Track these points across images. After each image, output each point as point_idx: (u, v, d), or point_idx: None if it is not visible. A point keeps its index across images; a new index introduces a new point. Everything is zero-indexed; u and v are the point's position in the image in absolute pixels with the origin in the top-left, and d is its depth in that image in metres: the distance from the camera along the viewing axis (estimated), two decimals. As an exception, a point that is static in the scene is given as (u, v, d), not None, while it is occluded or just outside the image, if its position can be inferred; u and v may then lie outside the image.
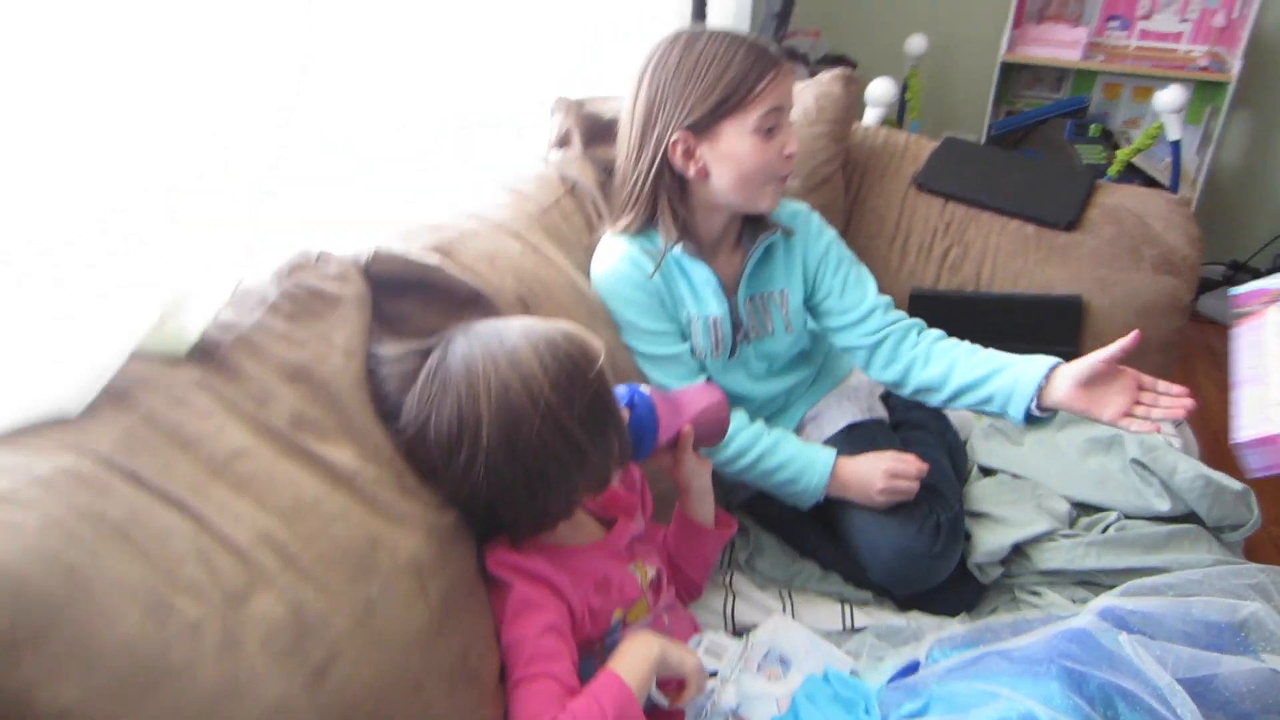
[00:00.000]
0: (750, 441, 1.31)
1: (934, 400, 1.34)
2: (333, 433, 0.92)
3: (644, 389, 1.07)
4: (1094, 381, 1.18)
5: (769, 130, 1.23)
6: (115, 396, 0.78)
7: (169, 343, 0.84)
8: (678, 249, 1.29)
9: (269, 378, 0.90)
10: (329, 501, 0.86)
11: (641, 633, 1.00)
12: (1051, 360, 1.23)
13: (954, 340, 1.35)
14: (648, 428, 1.05)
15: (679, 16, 1.97)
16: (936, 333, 1.36)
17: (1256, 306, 1.16)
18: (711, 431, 1.14)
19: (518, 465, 0.93)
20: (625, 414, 1.02)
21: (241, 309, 0.92)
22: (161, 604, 0.69)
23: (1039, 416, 1.23)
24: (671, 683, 1.01)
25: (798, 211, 1.40)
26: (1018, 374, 1.24)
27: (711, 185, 1.26)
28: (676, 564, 1.21)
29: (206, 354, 0.87)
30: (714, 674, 1.05)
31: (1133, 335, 1.13)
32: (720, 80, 1.20)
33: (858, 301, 1.37)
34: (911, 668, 1.03)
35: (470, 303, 1.10)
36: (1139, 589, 1.00)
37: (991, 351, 1.31)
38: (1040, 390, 1.22)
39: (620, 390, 1.04)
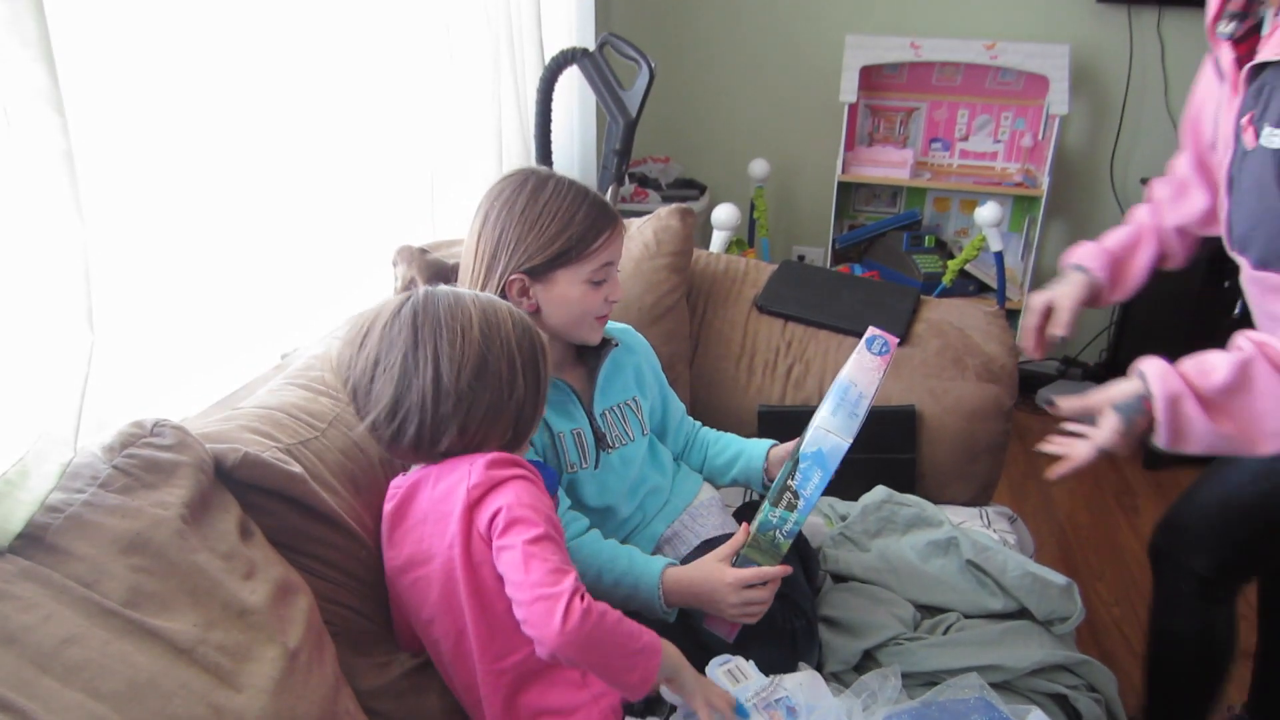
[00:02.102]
0: (591, 554, 1.33)
1: (719, 482, 1.59)
2: (173, 601, 0.91)
3: None
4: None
5: (598, 281, 1.33)
6: (-69, 597, 0.77)
7: (-10, 535, 0.83)
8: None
9: (101, 555, 0.89)
10: (167, 678, 0.85)
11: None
12: (768, 442, 1.53)
13: (708, 430, 1.62)
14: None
15: (523, 155, 2.06)
16: (698, 426, 1.63)
17: None
18: None
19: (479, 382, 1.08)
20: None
21: (70, 489, 0.92)
22: (-22, 814, 0.67)
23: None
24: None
25: (625, 329, 1.52)
26: (750, 455, 1.53)
27: (543, 320, 1.34)
28: None
29: (34, 540, 0.86)
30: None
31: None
32: (561, 235, 1.29)
33: (677, 409, 1.58)
34: None
35: (327, 518, 1.14)
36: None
37: (730, 437, 1.59)
38: (766, 468, 1.50)
39: None
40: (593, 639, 0.98)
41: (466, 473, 1.07)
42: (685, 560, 1.43)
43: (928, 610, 1.46)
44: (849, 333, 1.87)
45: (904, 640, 1.39)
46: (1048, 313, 1.51)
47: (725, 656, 1.20)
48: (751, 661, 1.21)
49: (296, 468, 1.11)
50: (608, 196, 1.41)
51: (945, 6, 3.02)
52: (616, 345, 1.45)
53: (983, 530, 1.69)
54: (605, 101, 2.04)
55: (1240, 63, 1.19)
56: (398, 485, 1.16)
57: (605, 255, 1.33)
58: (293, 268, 1.50)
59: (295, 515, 1.11)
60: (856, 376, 1.24)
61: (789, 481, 1.19)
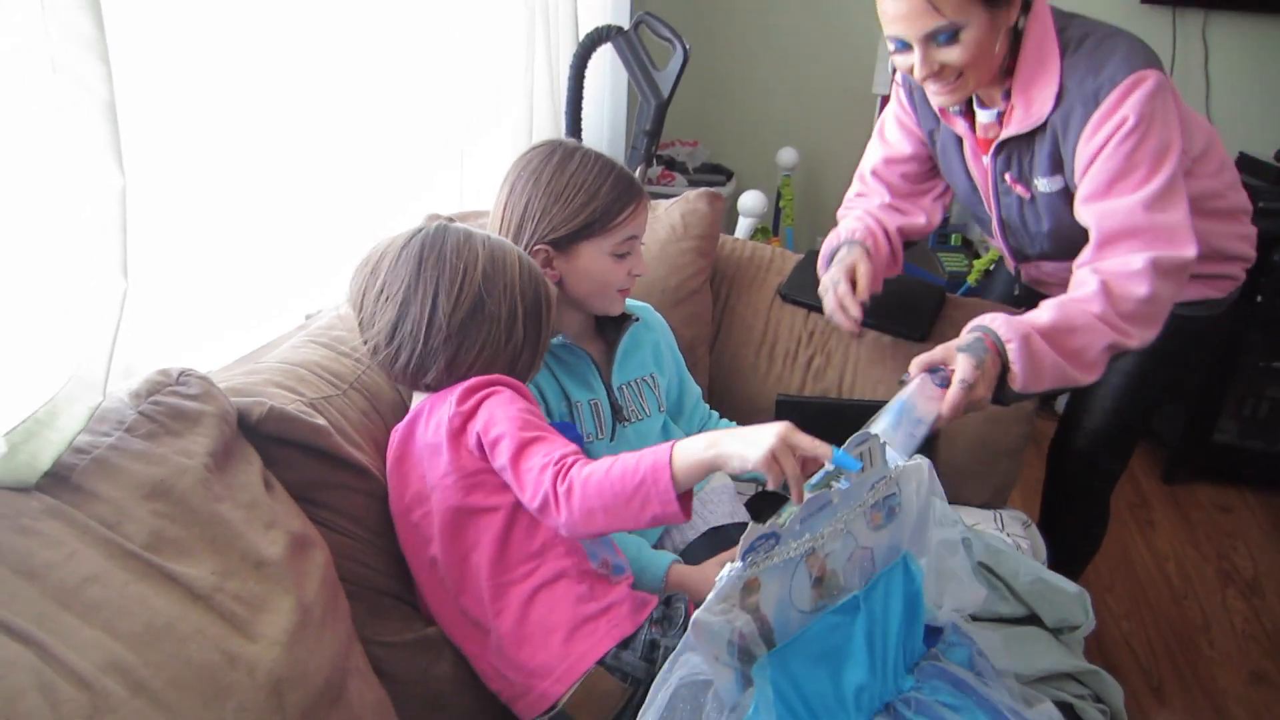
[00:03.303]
0: None
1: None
2: (193, 548, 0.93)
3: None
4: None
5: (622, 254, 1.34)
6: (-42, 529, 0.78)
7: (20, 472, 0.84)
8: (558, 339, 1.35)
9: (125, 498, 0.91)
10: (183, 622, 0.87)
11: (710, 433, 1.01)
12: None
13: (726, 422, 1.61)
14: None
15: (553, 130, 2.06)
16: (716, 415, 1.63)
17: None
18: None
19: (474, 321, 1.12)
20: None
21: (97, 432, 0.93)
22: (-4, 740, 0.68)
23: None
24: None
25: (645, 307, 1.53)
26: None
27: (565, 290, 1.35)
28: None
29: (60, 479, 0.88)
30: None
31: None
32: (586, 208, 1.30)
33: (693, 391, 1.58)
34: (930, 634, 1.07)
35: (352, 468, 1.16)
36: None
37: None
38: None
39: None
40: (589, 509, 0.99)
41: (447, 403, 1.11)
42: (691, 546, 1.44)
43: (936, 607, 1.46)
44: (872, 327, 1.87)
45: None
46: (853, 281, 1.58)
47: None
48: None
49: (322, 420, 1.12)
50: (635, 176, 1.42)
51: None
52: (637, 321, 1.45)
53: (996, 533, 1.69)
54: (638, 81, 2.03)
55: (980, 134, 1.51)
56: (396, 429, 1.19)
57: (629, 229, 1.34)
58: (321, 231, 1.51)
59: (319, 469, 1.12)
60: (918, 401, 1.23)
61: (831, 484, 1.15)
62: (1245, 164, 2.73)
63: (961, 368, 1.28)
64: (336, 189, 1.53)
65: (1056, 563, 1.69)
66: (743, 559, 0.83)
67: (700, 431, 1.59)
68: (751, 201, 2.62)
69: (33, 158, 0.87)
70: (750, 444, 0.95)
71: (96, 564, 0.84)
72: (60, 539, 0.83)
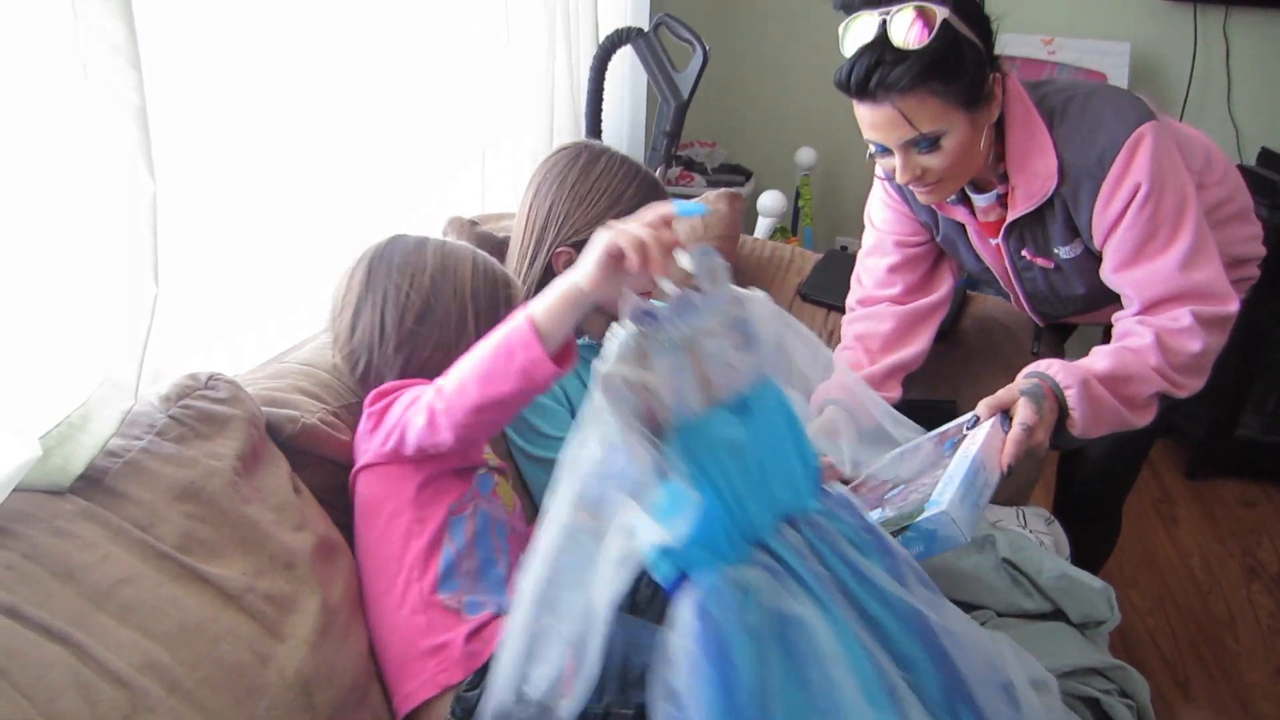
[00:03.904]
0: None
1: None
2: (224, 549, 0.94)
3: None
4: None
5: None
6: (-4, 532, 0.79)
7: (54, 475, 0.85)
8: (583, 340, 1.36)
9: (157, 500, 0.92)
10: (215, 623, 0.88)
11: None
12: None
13: None
14: None
15: (573, 132, 2.06)
16: None
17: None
18: None
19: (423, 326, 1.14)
20: None
21: (129, 435, 0.94)
22: (37, 739, 0.70)
23: None
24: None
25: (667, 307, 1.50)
26: None
27: None
28: None
29: (93, 482, 0.89)
30: None
31: None
32: (609, 212, 1.30)
33: None
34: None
35: None
36: None
37: None
38: None
39: None
40: (461, 384, 0.97)
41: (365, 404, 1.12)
42: None
43: (961, 607, 1.44)
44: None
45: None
46: None
47: None
48: None
49: (347, 435, 1.14)
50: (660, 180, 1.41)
51: (1004, 0, 2.98)
52: None
53: (1019, 530, 1.68)
54: (658, 82, 2.04)
55: (980, 221, 1.47)
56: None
57: None
58: (343, 236, 1.52)
59: (342, 475, 1.13)
60: (987, 459, 1.19)
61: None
62: (1267, 159, 2.71)
63: (1022, 411, 1.25)
64: (359, 191, 1.54)
65: (1073, 562, 1.69)
66: (633, 321, 0.79)
67: None
68: (770, 201, 2.62)
69: (65, 164, 0.88)
70: (587, 255, 0.88)
71: (130, 565, 0.86)
72: (94, 541, 0.85)
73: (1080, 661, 1.30)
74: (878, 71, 1.23)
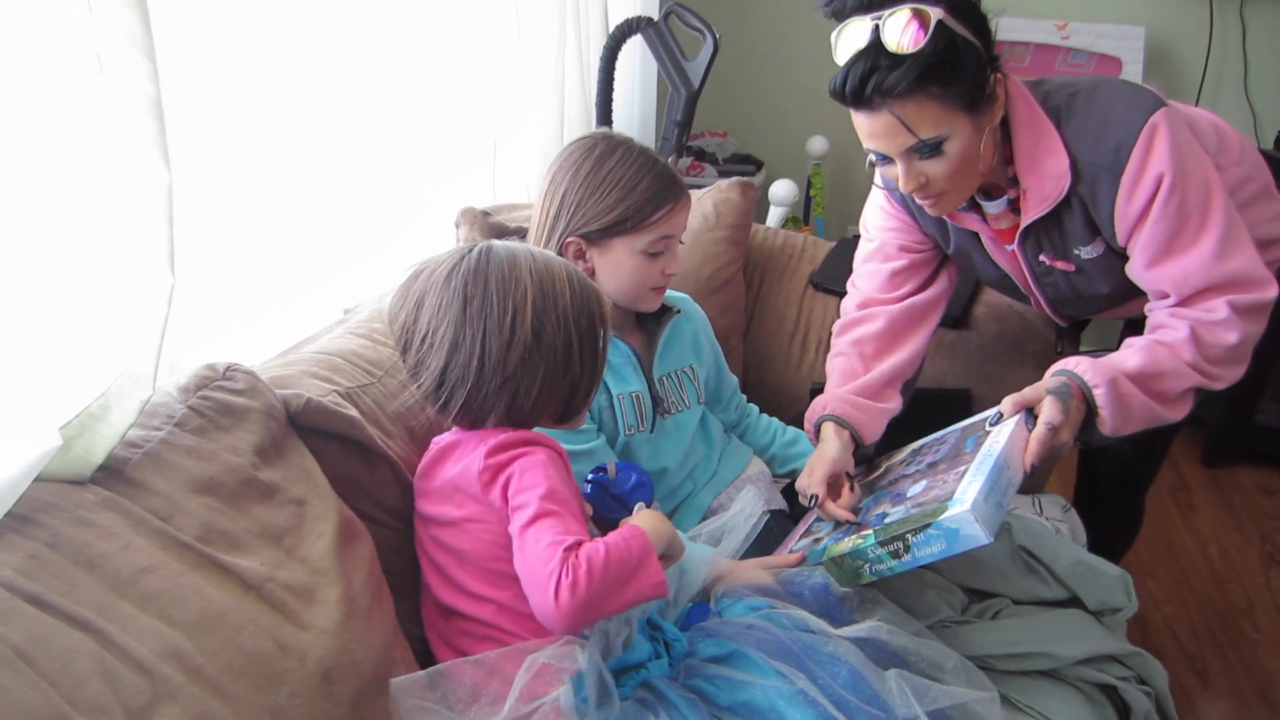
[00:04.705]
0: None
1: (776, 471, 1.59)
2: (243, 540, 0.95)
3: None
4: None
5: (655, 254, 1.33)
6: (19, 521, 0.80)
7: (74, 465, 0.86)
8: None
9: (176, 492, 0.93)
10: (236, 611, 0.89)
11: (654, 512, 1.07)
12: None
13: (768, 419, 1.63)
14: (647, 488, 1.22)
15: (584, 122, 2.06)
16: (755, 408, 1.64)
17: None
18: None
19: (530, 361, 1.07)
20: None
21: (148, 426, 0.95)
22: (62, 725, 0.70)
23: None
24: None
25: (684, 298, 1.53)
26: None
27: (597, 283, 1.33)
28: None
29: (113, 472, 0.89)
30: None
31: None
32: (620, 204, 1.29)
33: (730, 380, 1.59)
34: (702, 610, 1.17)
35: (388, 462, 1.17)
36: None
37: (795, 432, 1.60)
38: None
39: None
40: (592, 600, 0.93)
41: (476, 455, 1.05)
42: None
43: (976, 595, 1.45)
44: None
45: (951, 624, 1.38)
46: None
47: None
48: None
49: (355, 412, 1.14)
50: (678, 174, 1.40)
51: (1016, -14, 2.96)
52: (678, 313, 1.45)
53: (1035, 518, 1.68)
54: (668, 72, 2.03)
55: (993, 228, 1.44)
56: (437, 442, 1.16)
57: (664, 228, 1.32)
58: (357, 226, 1.53)
59: (358, 463, 1.13)
60: (1011, 457, 1.18)
61: (908, 534, 1.13)
62: (1285, 143, 2.69)
63: (1048, 410, 1.23)
64: (373, 182, 1.54)
65: (1090, 552, 1.68)
66: None
67: (740, 424, 1.61)
68: (783, 191, 2.61)
69: (82, 155, 0.88)
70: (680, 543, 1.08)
71: (151, 554, 0.86)
72: (116, 530, 0.85)
73: (1097, 649, 1.29)
74: (873, 78, 1.19)
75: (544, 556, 0.94)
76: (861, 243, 1.62)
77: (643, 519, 1.03)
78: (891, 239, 1.56)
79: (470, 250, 1.10)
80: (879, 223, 1.57)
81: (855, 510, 1.33)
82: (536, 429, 1.13)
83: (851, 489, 1.36)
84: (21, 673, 0.71)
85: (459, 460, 1.09)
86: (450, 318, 1.05)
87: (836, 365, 1.54)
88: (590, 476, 1.23)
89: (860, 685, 1.00)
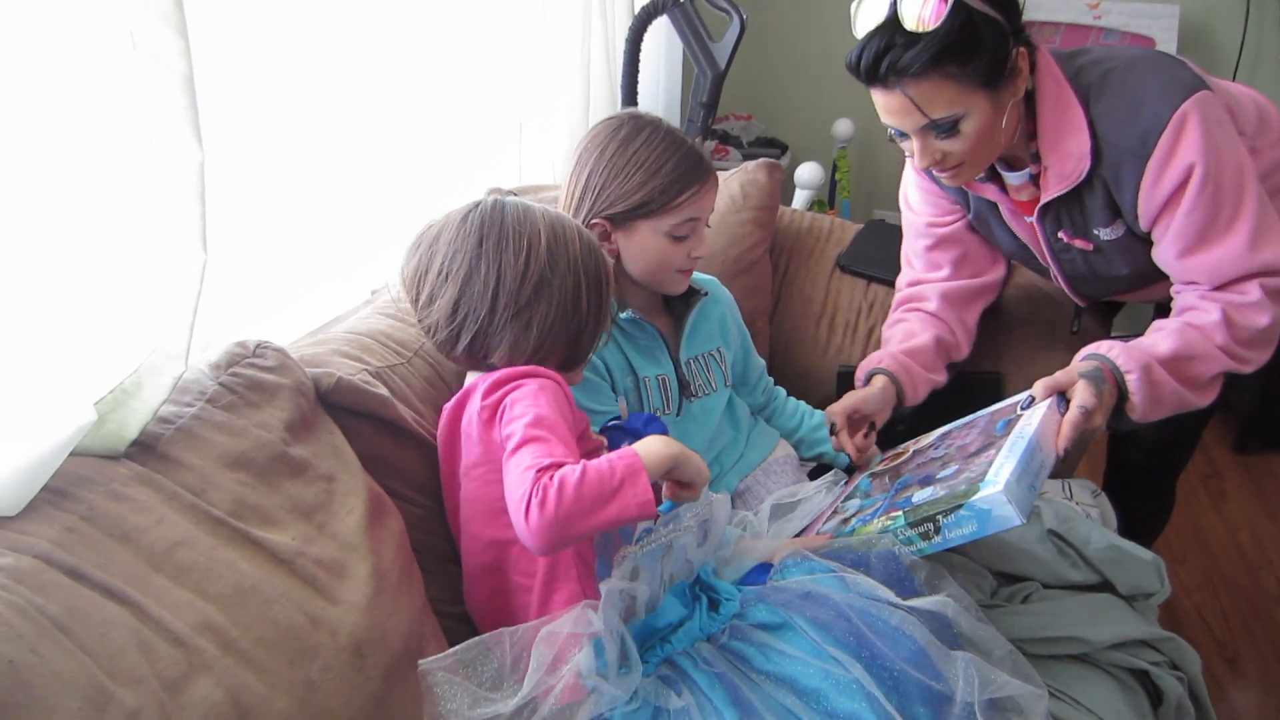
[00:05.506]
0: None
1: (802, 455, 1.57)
2: (275, 515, 0.96)
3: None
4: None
5: (681, 236, 1.32)
6: (55, 495, 0.81)
7: (109, 440, 0.87)
8: (627, 314, 1.35)
9: (209, 467, 0.93)
10: (269, 585, 0.89)
11: (660, 437, 1.04)
12: None
13: (795, 402, 1.61)
14: (658, 424, 1.23)
15: (609, 104, 2.05)
16: (783, 391, 1.62)
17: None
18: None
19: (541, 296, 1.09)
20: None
21: (180, 402, 0.96)
22: (101, 694, 0.71)
23: None
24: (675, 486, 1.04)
25: (711, 280, 1.52)
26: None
27: (623, 265, 1.34)
28: None
29: (147, 448, 0.90)
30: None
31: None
32: (645, 185, 1.28)
33: (757, 363, 1.57)
34: (763, 570, 1.14)
35: (416, 439, 1.17)
36: None
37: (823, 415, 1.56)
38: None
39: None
40: (561, 518, 0.91)
41: (477, 393, 1.08)
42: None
43: (1006, 579, 1.44)
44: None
45: (981, 608, 1.37)
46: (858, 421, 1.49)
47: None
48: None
49: (385, 391, 1.14)
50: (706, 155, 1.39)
51: (1046, -35, 2.92)
52: (705, 295, 1.45)
53: (1065, 502, 1.66)
54: (694, 53, 2.02)
55: (1013, 199, 1.44)
56: (448, 406, 1.16)
57: (689, 211, 1.31)
58: (384, 203, 1.53)
59: (387, 440, 1.14)
60: (1044, 440, 1.17)
61: (939, 516, 1.12)
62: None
63: (1081, 394, 1.22)
64: (399, 162, 1.55)
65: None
66: (635, 542, 1.01)
67: (768, 408, 1.60)
68: (808, 173, 2.60)
69: (114, 133, 0.89)
70: (689, 461, 1.02)
71: (185, 529, 0.87)
72: (150, 504, 0.86)
73: (1129, 633, 1.28)
74: (888, 56, 1.19)
75: (519, 480, 0.93)
76: (904, 216, 1.65)
77: (643, 442, 1.01)
78: (920, 213, 1.58)
79: (483, 200, 1.14)
80: (911, 195, 1.59)
81: (865, 464, 1.39)
82: None
83: (869, 436, 1.42)
84: (59, 643, 0.72)
85: (466, 411, 1.11)
86: (466, 250, 1.09)
87: (897, 330, 1.57)
88: (606, 424, 1.24)
89: (924, 663, 0.97)
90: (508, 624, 1.02)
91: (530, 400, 1.03)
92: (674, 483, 1.02)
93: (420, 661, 0.91)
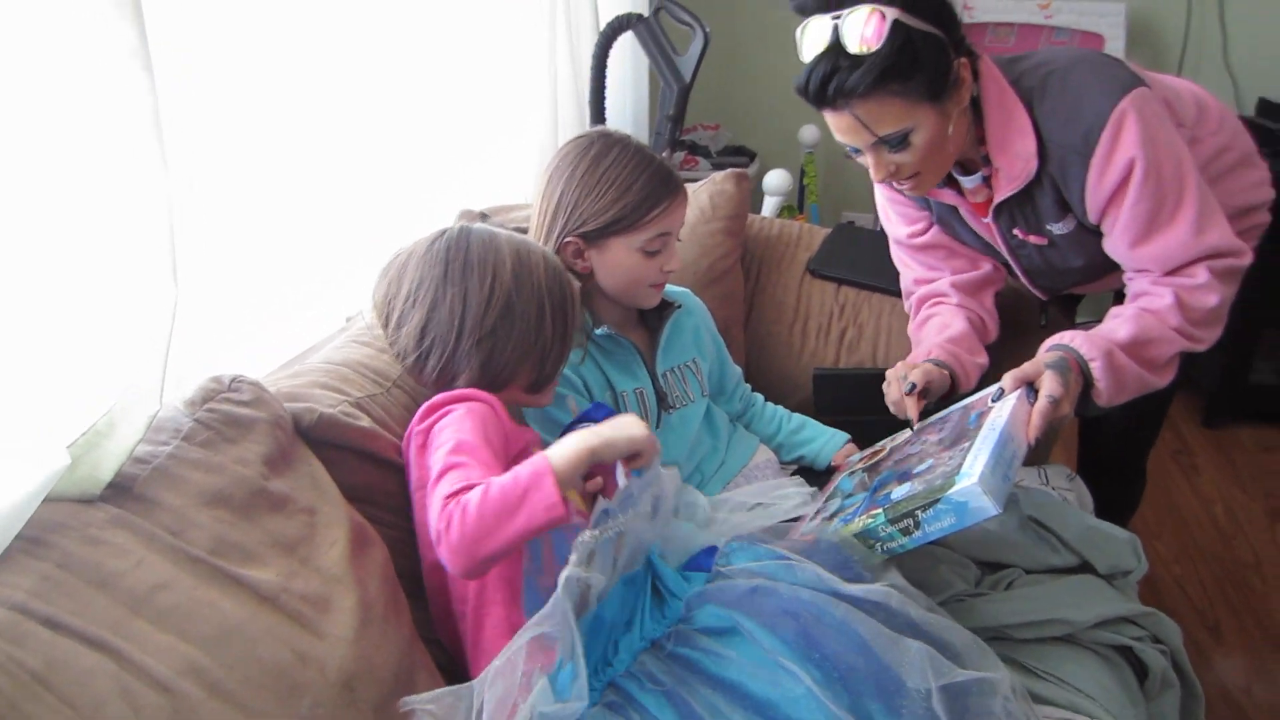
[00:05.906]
0: None
1: (782, 458, 1.58)
2: (256, 552, 0.94)
3: None
4: None
5: (653, 251, 1.33)
6: (29, 543, 0.80)
7: (83, 484, 0.85)
8: (602, 329, 1.36)
9: (187, 506, 0.92)
10: (253, 624, 0.88)
11: (583, 430, 1.04)
12: (842, 436, 1.56)
13: (773, 407, 1.62)
14: (607, 409, 1.23)
15: (577, 120, 2.06)
16: (760, 397, 1.63)
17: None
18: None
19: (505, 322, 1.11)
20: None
21: (156, 441, 0.94)
22: (85, 747, 0.70)
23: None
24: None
25: (684, 292, 1.53)
26: (821, 446, 1.56)
27: (597, 281, 1.35)
28: None
29: (123, 489, 0.89)
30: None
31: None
32: (616, 203, 1.29)
33: (733, 371, 1.58)
34: (709, 554, 1.13)
35: (398, 469, 1.16)
36: None
37: (800, 419, 1.60)
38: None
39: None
40: (469, 538, 0.91)
41: (416, 418, 1.10)
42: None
43: (988, 567, 1.45)
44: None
45: (966, 597, 1.38)
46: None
47: None
48: None
49: (368, 422, 1.13)
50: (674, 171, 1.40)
51: (1000, -34, 2.95)
52: (679, 308, 1.45)
53: (1042, 488, 1.68)
54: (660, 67, 2.03)
55: (970, 201, 1.47)
56: (409, 431, 1.15)
57: (660, 226, 1.32)
58: (354, 233, 1.52)
59: (369, 470, 1.13)
60: (1015, 431, 1.19)
61: (917, 511, 1.14)
62: (1266, 109, 2.69)
63: (1048, 384, 1.25)
64: (367, 186, 1.54)
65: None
66: (594, 527, 0.99)
67: (746, 414, 1.60)
68: (777, 180, 2.61)
69: (81, 169, 0.87)
70: (628, 426, 1.05)
71: (164, 571, 0.86)
72: (128, 548, 0.85)
73: (1111, 611, 1.30)
74: (835, 79, 1.23)
75: (437, 509, 0.95)
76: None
77: (558, 442, 1.02)
78: (898, 226, 1.62)
79: (450, 228, 1.17)
80: (880, 203, 1.63)
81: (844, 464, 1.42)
82: (510, 403, 1.16)
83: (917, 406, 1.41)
84: (40, 697, 0.71)
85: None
86: (433, 277, 1.12)
87: (930, 325, 1.58)
88: (566, 425, 1.24)
89: (871, 655, 0.97)
90: (457, 646, 1.06)
91: (455, 427, 1.05)
92: (624, 461, 1.05)
93: (402, 700, 0.91)
